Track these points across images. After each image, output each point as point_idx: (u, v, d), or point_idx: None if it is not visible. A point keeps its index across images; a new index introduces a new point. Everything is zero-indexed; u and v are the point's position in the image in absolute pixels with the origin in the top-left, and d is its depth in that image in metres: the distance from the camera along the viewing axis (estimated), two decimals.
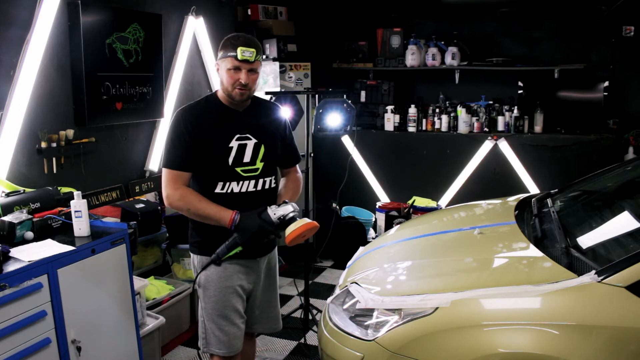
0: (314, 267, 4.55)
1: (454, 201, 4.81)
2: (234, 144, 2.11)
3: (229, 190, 2.11)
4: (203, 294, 2.17)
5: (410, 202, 4.71)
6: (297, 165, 2.40)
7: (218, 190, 2.11)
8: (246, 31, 4.65)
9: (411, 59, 4.88)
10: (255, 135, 2.15)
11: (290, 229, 1.99)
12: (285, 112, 3.29)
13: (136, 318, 2.57)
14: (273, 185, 2.23)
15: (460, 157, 4.80)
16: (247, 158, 2.13)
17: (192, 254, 2.24)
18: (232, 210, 2.03)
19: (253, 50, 2.03)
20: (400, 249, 2.64)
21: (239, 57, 2.01)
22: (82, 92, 3.24)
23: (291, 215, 2.02)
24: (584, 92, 4.51)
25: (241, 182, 2.12)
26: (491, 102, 4.79)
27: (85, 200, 2.34)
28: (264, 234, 2.02)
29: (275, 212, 2.03)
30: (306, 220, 2.01)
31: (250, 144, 2.13)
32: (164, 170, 2.10)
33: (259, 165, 2.15)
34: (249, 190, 2.14)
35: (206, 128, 2.09)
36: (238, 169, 2.11)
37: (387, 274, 2.32)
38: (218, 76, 2.12)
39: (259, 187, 2.16)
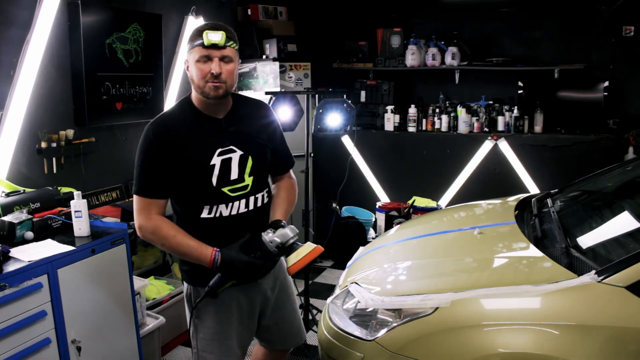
0: (314, 267, 4.55)
1: (454, 201, 4.81)
2: (216, 160, 1.82)
3: (217, 215, 1.85)
4: (200, 324, 1.93)
5: (410, 202, 4.71)
6: (291, 170, 2.12)
7: (205, 215, 1.84)
8: (246, 31, 4.66)
9: (411, 59, 4.88)
10: (240, 145, 1.86)
11: (292, 260, 1.77)
12: (285, 112, 3.31)
13: (136, 318, 2.57)
14: (266, 200, 1.96)
15: (460, 157, 4.80)
16: (234, 175, 1.84)
17: (183, 281, 1.99)
18: (211, 247, 1.77)
19: (222, 32, 1.74)
20: (400, 249, 2.64)
21: (206, 42, 1.72)
22: (82, 92, 3.24)
23: (291, 241, 1.77)
24: (584, 92, 4.51)
25: (230, 204, 1.85)
26: (491, 102, 4.79)
27: (85, 200, 2.35)
28: (255, 269, 1.77)
29: (271, 239, 1.76)
30: (310, 246, 1.79)
31: (235, 157, 1.85)
32: (135, 198, 1.82)
33: (248, 180, 1.88)
34: (240, 212, 1.87)
35: (181, 145, 1.79)
36: (225, 189, 1.84)
37: (387, 274, 2.32)
38: (188, 77, 1.84)
39: (251, 207, 1.90)
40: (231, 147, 1.85)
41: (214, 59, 1.75)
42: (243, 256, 1.75)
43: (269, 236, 1.78)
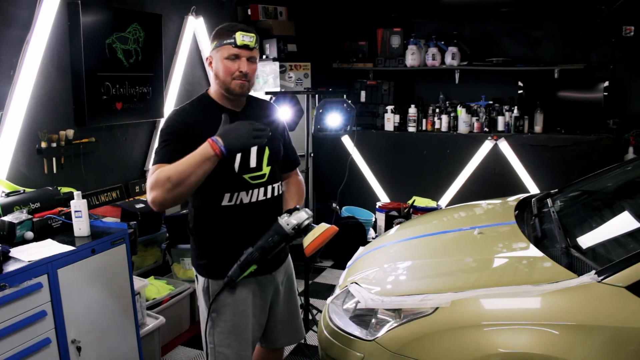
0: (314, 267, 4.55)
1: (454, 201, 4.81)
2: None
3: (237, 202, 1.91)
4: (217, 318, 1.95)
5: (410, 202, 4.71)
6: (297, 169, 2.23)
7: (225, 202, 1.91)
8: None
9: (411, 59, 4.88)
10: None
11: (309, 240, 1.79)
12: (285, 112, 3.31)
13: (136, 318, 2.57)
14: (281, 191, 2.06)
15: (460, 157, 4.80)
16: (252, 163, 1.93)
17: (198, 276, 2.02)
18: (204, 142, 1.73)
19: (253, 35, 1.87)
20: (400, 249, 2.64)
21: (238, 42, 1.84)
22: (82, 92, 3.25)
23: (307, 222, 1.82)
24: (584, 92, 4.51)
25: (250, 191, 1.93)
26: (491, 102, 4.80)
27: (85, 200, 2.35)
28: (257, 126, 1.76)
29: (288, 221, 1.80)
30: (324, 225, 1.82)
31: (254, 147, 1.92)
32: (150, 170, 1.81)
33: (266, 170, 1.97)
34: (259, 199, 1.95)
35: (205, 133, 1.80)
36: (246, 177, 1.92)
37: (387, 274, 2.32)
38: (211, 71, 1.93)
39: (269, 195, 1.98)
40: None
41: (242, 59, 1.87)
42: (235, 123, 1.76)
43: (284, 219, 1.82)
